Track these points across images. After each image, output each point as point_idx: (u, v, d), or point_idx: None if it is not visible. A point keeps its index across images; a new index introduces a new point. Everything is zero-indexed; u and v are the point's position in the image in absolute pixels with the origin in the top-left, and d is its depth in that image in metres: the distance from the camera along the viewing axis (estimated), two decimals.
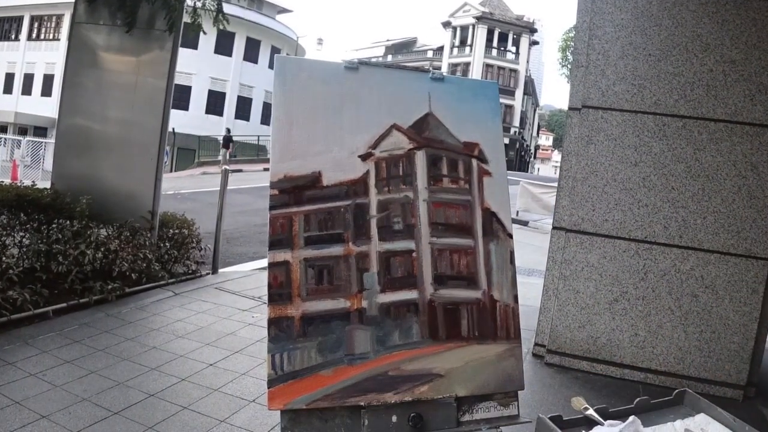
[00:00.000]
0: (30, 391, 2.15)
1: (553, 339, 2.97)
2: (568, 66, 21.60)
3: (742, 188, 2.68)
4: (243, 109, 24.88)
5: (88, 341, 2.72)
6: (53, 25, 22.59)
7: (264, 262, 4.72)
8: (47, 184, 4.00)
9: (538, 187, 10.15)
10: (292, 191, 1.10)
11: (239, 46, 24.21)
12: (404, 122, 1.34)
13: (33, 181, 3.94)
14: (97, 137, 4.04)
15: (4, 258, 2.95)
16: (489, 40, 34.93)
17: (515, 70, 35.35)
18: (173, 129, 13.41)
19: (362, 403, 1.20)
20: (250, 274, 4.49)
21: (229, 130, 19.00)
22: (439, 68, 28.80)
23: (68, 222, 3.52)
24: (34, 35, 23.22)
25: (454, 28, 36.46)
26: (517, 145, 35.74)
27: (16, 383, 2.21)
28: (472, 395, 1.30)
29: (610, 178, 2.84)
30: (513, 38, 35.63)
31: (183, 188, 10.45)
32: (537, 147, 48.08)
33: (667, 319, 2.80)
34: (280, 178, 1.16)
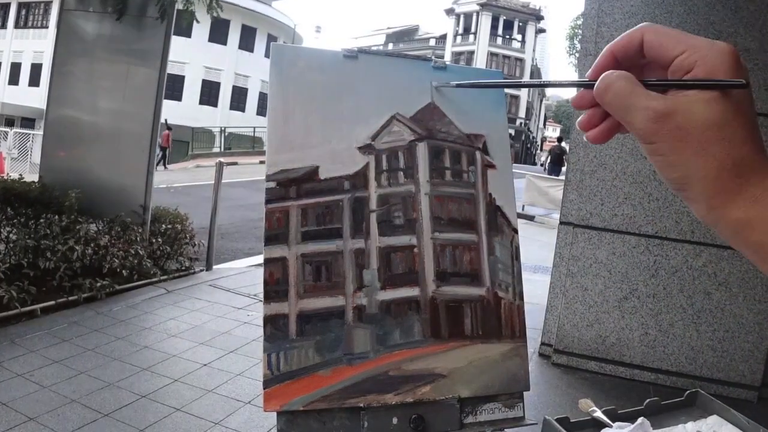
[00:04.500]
0: (17, 392, 2.10)
1: (560, 338, 2.92)
2: (576, 54, 21.42)
3: None
4: (238, 99, 24.56)
5: (78, 340, 2.65)
6: (41, 12, 22.13)
7: (260, 259, 4.63)
8: (35, 178, 3.91)
9: (544, 180, 10.08)
10: (289, 184, 1.05)
11: (234, 34, 23.82)
12: (405, 113, 1.29)
13: (20, 174, 3.85)
14: (87, 128, 3.95)
15: None
16: (494, 27, 34.36)
17: (521, 59, 34.79)
18: (166, 120, 13.23)
19: (362, 405, 1.15)
20: (245, 271, 4.42)
21: None
22: (442, 57, 28.45)
23: (57, 217, 3.44)
24: (21, 23, 22.74)
25: (458, 16, 35.88)
26: (523, 137, 35.44)
27: (2, 384, 2.16)
28: (475, 396, 1.26)
29: (620, 170, 2.76)
30: (518, 26, 35.04)
31: (176, 182, 10.33)
32: (543, 139, 47.72)
33: (678, 317, 2.74)
34: (276, 171, 1.10)
